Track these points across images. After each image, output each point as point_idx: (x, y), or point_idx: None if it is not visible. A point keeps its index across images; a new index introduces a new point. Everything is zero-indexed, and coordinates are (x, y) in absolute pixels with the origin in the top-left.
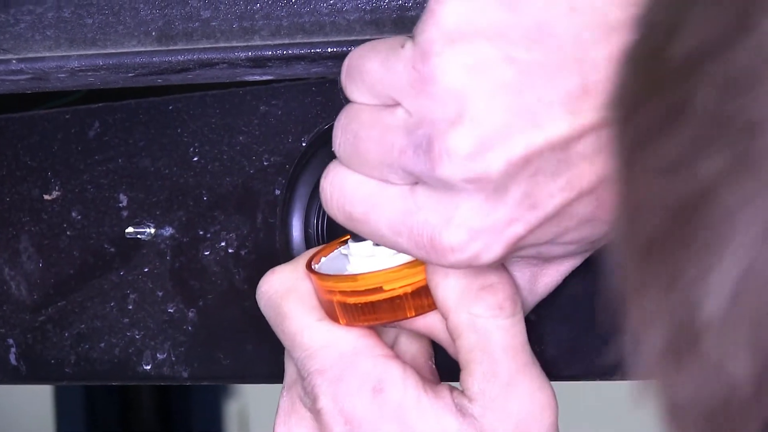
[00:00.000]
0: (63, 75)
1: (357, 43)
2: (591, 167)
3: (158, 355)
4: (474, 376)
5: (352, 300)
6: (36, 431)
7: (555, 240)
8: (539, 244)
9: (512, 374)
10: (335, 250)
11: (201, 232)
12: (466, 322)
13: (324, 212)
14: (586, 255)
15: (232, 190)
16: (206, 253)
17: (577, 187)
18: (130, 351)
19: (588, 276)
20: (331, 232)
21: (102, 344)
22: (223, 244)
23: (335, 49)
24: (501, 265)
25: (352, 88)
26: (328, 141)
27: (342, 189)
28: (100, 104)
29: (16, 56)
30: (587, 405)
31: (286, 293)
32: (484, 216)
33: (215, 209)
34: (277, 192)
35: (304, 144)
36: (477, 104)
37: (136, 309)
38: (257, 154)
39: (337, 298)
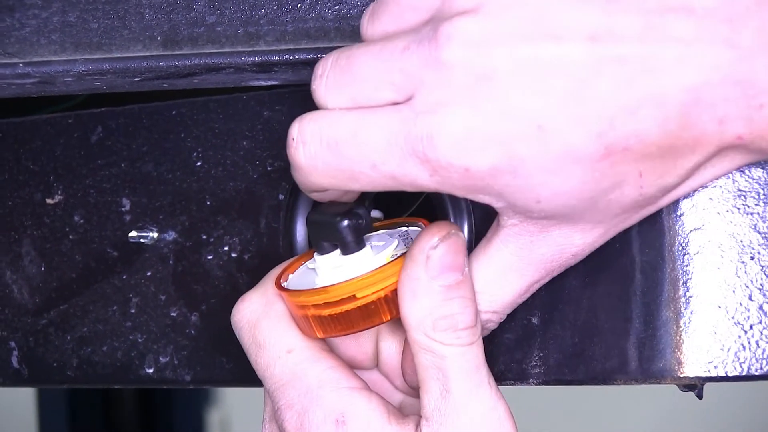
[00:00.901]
0: (69, 79)
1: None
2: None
3: (161, 358)
4: (430, 394)
5: (326, 312)
6: None
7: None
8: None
9: (465, 394)
10: (301, 266)
11: (204, 237)
12: (424, 342)
13: None
14: (576, 235)
15: (236, 194)
16: (209, 258)
17: None
18: (133, 354)
19: (590, 282)
20: None
21: (104, 348)
22: (226, 248)
23: None
24: (468, 292)
25: (374, 24)
26: None
27: (324, 119)
28: (103, 109)
29: (21, 60)
30: (590, 409)
31: (258, 322)
32: (484, 115)
33: (218, 214)
34: (281, 197)
35: None
36: (495, 4)
37: (138, 313)
38: (261, 159)
39: (311, 312)
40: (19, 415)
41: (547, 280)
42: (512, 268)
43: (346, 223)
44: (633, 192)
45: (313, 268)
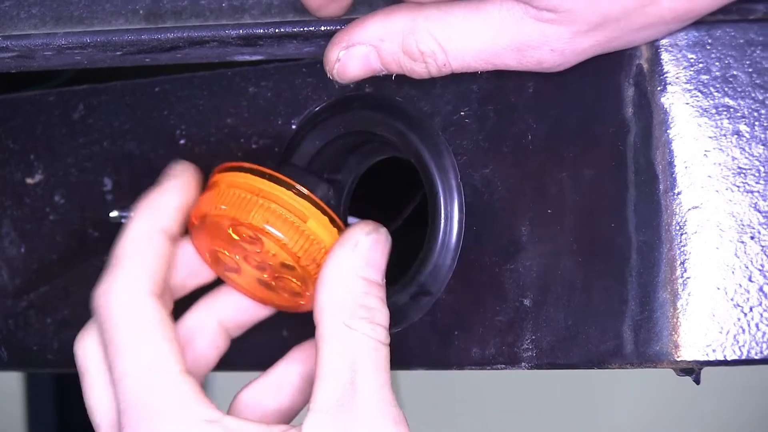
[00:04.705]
0: (49, 53)
1: (349, 21)
2: None
3: None
4: (331, 384)
5: (279, 210)
6: None
7: None
8: None
9: (371, 391)
10: None
11: None
12: (339, 330)
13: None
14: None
15: None
16: None
17: None
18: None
19: (585, 262)
20: None
21: None
22: None
23: (328, 27)
24: (384, 298)
25: None
26: (318, 123)
27: None
28: (85, 86)
29: (1, 34)
30: (584, 394)
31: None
32: None
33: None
34: None
35: (294, 126)
36: None
37: None
38: (246, 137)
39: (264, 201)
40: (6, 404)
41: (511, 65)
42: (490, 26)
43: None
44: None
45: None
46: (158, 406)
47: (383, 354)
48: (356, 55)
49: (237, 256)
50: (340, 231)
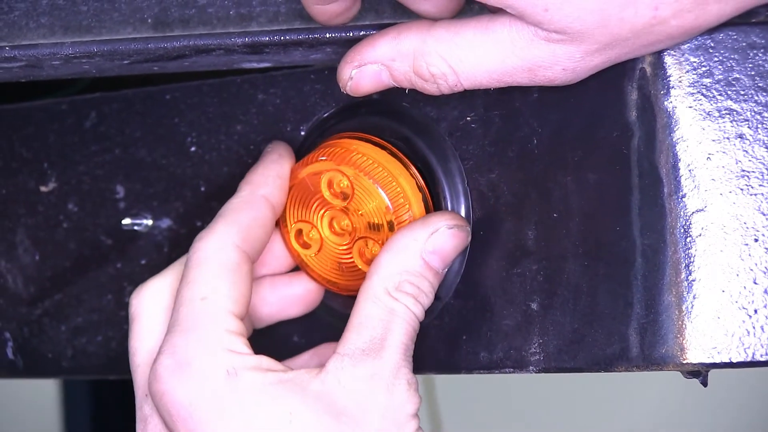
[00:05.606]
0: (57, 62)
1: (356, 29)
2: None
3: None
4: (361, 334)
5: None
6: None
7: None
8: None
9: (395, 352)
10: None
11: (199, 224)
12: (381, 295)
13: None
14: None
15: (230, 180)
16: None
17: None
18: (127, 345)
19: (590, 266)
20: None
21: (99, 338)
22: None
23: (334, 35)
24: (435, 288)
25: None
26: (327, 130)
27: None
28: (96, 94)
29: (9, 44)
30: (591, 397)
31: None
32: None
33: (213, 200)
34: None
35: (302, 133)
36: None
37: None
38: (255, 144)
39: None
40: (42, 412)
41: (522, 83)
42: (500, 47)
43: None
44: (647, 11)
45: None
46: (200, 333)
47: (415, 328)
48: (368, 73)
49: (322, 219)
50: (425, 197)
